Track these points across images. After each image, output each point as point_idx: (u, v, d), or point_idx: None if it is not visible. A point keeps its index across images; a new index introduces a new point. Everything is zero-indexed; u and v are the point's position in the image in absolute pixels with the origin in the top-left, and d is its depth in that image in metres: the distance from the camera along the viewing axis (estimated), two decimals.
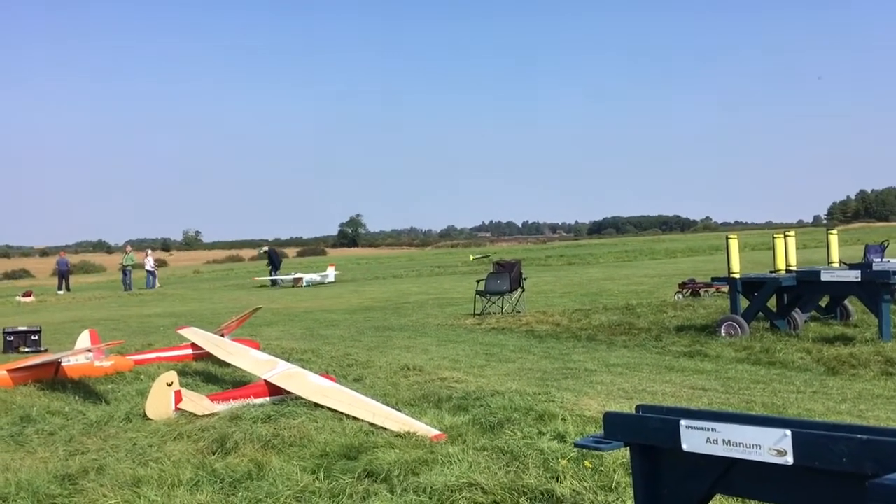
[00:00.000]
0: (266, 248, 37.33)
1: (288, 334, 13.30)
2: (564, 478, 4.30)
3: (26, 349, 12.06)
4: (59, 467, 5.19)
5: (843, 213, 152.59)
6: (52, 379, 8.66)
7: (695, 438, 2.32)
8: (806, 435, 2.10)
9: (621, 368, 8.61)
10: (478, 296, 14.88)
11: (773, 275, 10.53)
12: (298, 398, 6.69)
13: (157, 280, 36.12)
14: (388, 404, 6.42)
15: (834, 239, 11.99)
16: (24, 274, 69.56)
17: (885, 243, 13.94)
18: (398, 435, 5.45)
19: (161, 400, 6.54)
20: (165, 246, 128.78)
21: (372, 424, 5.77)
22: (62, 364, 8.86)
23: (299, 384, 6.90)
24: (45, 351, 11.78)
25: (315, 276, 32.50)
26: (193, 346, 9.88)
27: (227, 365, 8.75)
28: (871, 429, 2.14)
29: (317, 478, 4.61)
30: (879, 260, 12.14)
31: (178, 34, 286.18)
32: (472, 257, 45.98)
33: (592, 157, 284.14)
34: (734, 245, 10.77)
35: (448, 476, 4.44)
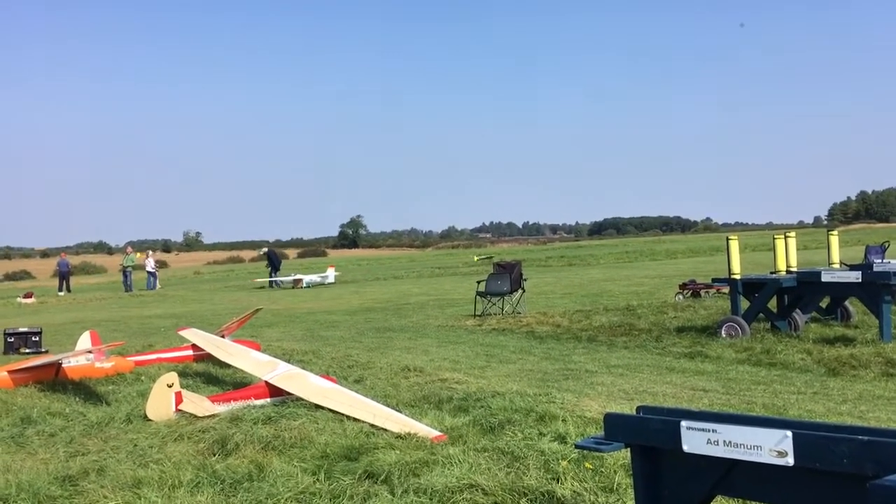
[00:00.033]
0: (265, 250, 37.31)
1: (288, 335, 13.30)
2: (565, 479, 4.30)
3: (27, 350, 12.07)
4: (59, 468, 5.19)
5: (843, 214, 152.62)
6: (53, 380, 8.66)
7: (695, 439, 2.32)
8: (807, 436, 2.10)
9: (622, 369, 8.61)
10: (478, 297, 14.88)
11: (774, 276, 10.53)
12: (299, 399, 6.69)
13: (157, 281, 36.13)
14: (388, 405, 6.41)
15: (834, 240, 11.98)
16: (24, 275, 69.60)
17: (886, 244, 13.93)
18: (399, 436, 5.44)
19: (162, 401, 6.54)
20: (166, 247, 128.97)
21: (372, 426, 5.77)
22: (63, 365, 8.86)
23: (300, 385, 6.90)
24: (46, 352, 11.78)
25: (315, 278, 32.50)
26: (194, 347, 9.88)
27: (228, 366, 8.75)
28: (872, 430, 2.14)
29: (317, 479, 4.61)
30: (880, 261, 12.13)
31: (178, 34, 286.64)
32: (476, 258, 46.04)
33: (592, 158, 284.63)
34: (735, 246, 10.77)
35: (449, 477, 4.43)
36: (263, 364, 7.74)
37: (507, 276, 14.91)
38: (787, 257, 10.71)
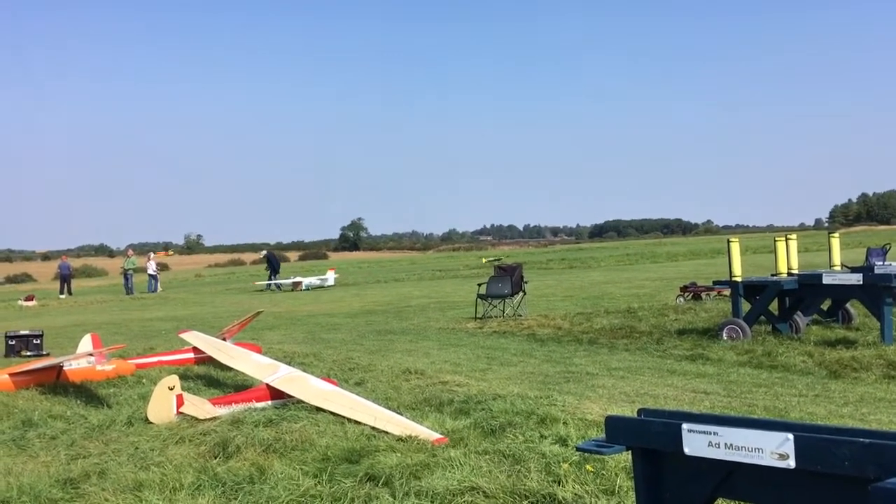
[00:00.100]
0: (265, 252, 37.36)
1: (289, 338, 13.30)
2: (566, 481, 4.29)
3: (28, 353, 12.07)
4: (60, 471, 5.19)
5: (844, 217, 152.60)
6: (54, 383, 8.66)
7: (697, 442, 2.32)
8: (808, 439, 2.10)
9: (623, 372, 8.60)
10: (479, 299, 14.88)
11: (775, 278, 10.52)
12: (300, 402, 6.69)
13: (158, 284, 36.16)
14: (389, 408, 6.41)
15: (836, 242, 11.97)
16: (26, 278, 69.65)
17: (887, 246, 13.91)
18: (400, 439, 5.44)
19: (163, 404, 6.54)
20: (167, 250, 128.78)
21: (373, 428, 5.77)
22: (64, 368, 8.86)
23: (301, 388, 6.90)
24: (47, 355, 11.79)
25: (314, 280, 32.53)
26: (195, 349, 9.89)
27: (229, 369, 8.75)
28: (874, 432, 2.13)
29: (318, 482, 4.61)
30: (881, 263, 12.12)
31: (178, 34, 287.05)
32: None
33: (593, 158, 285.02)
34: (736, 248, 10.76)
35: (450, 480, 4.43)
36: (264, 367, 7.75)
37: (508, 279, 14.90)
38: (789, 259, 10.71)
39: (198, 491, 4.59)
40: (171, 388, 6.58)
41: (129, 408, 7.16)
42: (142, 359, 10.06)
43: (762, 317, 10.60)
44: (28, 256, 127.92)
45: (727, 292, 12.69)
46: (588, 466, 4.46)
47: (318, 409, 6.40)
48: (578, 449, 2.69)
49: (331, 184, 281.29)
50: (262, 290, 32.12)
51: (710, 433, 2.29)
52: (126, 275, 34.89)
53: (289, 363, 8.47)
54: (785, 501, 2.23)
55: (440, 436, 5.45)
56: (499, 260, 24.75)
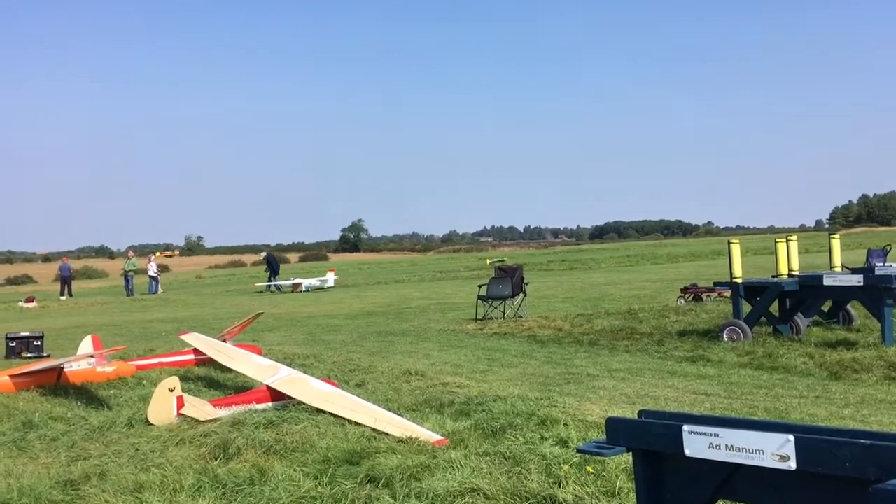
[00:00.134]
0: (265, 254, 37.41)
1: (290, 339, 13.30)
2: (567, 483, 4.29)
3: (29, 355, 12.08)
4: (61, 473, 5.19)
5: (845, 218, 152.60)
6: (55, 384, 8.66)
7: (697, 443, 2.32)
8: (809, 440, 2.09)
9: (623, 373, 8.60)
10: (480, 301, 14.87)
11: (776, 279, 10.52)
12: (300, 403, 6.69)
13: (159, 285, 36.17)
14: (390, 409, 6.41)
15: (836, 243, 11.96)
16: (26, 279, 69.62)
17: (888, 248, 13.90)
18: (400, 440, 5.44)
19: (163, 405, 6.54)
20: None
21: (374, 430, 5.77)
22: (64, 369, 8.86)
23: (301, 389, 6.90)
24: (48, 356, 11.79)
25: (314, 282, 32.54)
26: (195, 351, 9.89)
27: (229, 370, 8.75)
28: (875, 434, 2.13)
29: (319, 483, 4.61)
30: (882, 264, 12.12)
31: (178, 34, 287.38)
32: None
33: (593, 158, 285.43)
34: (736, 249, 10.76)
35: (450, 481, 4.43)
36: (265, 368, 7.75)
37: (509, 280, 14.90)
38: (789, 261, 10.70)
39: (198, 492, 4.59)
40: (172, 390, 6.58)
41: (130, 409, 7.15)
42: (142, 360, 10.07)
43: (763, 318, 10.59)
44: (28, 258, 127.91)
45: (728, 294, 12.68)
46: (589, 468, 4.46)
47: (319, 411, 6.39)
48: (579, 450, 2.69)
49: (331, 184, 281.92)
50: (261, 292, 32.13)
51: (711, 435, 2.28)
52: (126, 276, 34.91)
53: (289, 365, 8.47)
54: (786, 503, 2.23)
55: (441, 437, 5.45)
56: (503, 261, 24.75)
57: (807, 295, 10.31)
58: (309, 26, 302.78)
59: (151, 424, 6.46)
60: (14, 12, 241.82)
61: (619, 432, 2.54)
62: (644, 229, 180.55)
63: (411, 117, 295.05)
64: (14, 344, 12.36)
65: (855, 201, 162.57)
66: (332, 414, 6.26)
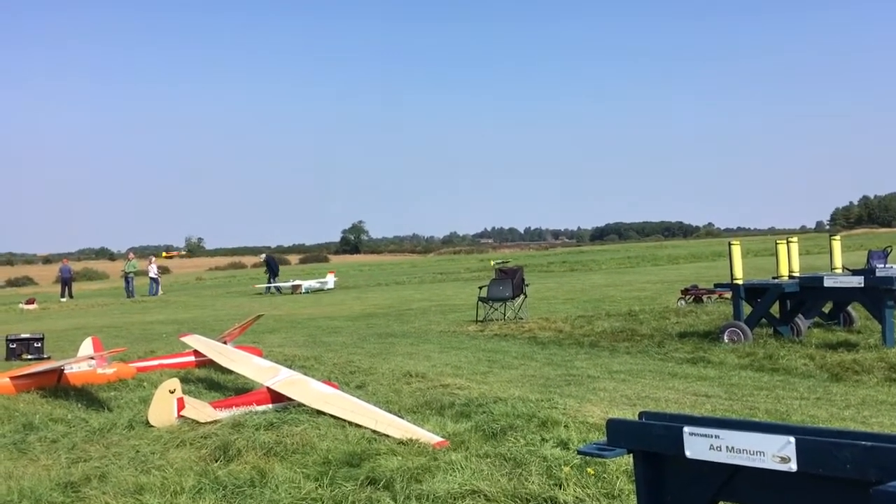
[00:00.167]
0: (264, 256, 37.43)
1: (290, 341, 13.29)
2: (567, 485, 4.29)
3: (29, 356, 12.07)
4: (61, 475, 5.19)
5: (845, 219, 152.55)
6: (55, 386, 8.66)
7: (698, 445, 2.32)
8: (810, 442, 2.09)
9: (624, 375, 8.59)
10: (480, 302, 14.87)
11: (776, 281, 10.51)
12: (301, 405, 6.69)
13: (159, 287, 36.18)
14: (390, 411, 6.41)
15: (837, 245, 11.95)
16: (27, 281, 69.61)
17: (889, 249, 13.89)
18: (401, 442, 5.44)
19: (164, 407, 6.54)
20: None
21: (374, 431, 5.77)
22: (65, 371, 8.86)
23: (302, 391, 6.90)
24: (48, 358, 11.79)
25: (314, 283, 32.53)
26: (196, 353, 9.88)
27: (230, 372, 8.74)
28: (876, 435, 2.13)
29: (319, 485, 4.61)
30: (883, 266, 12.12)
31: (178, 34, 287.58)
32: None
33: (593, 159, 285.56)
34: (737, 251, 10.76)
35: (451, 483, 4.43)
36: (265, 370, 7.74)
37: (509, 282, 14.90)
38: (790, 262, 10.70)
39: (199, 494, 4.59)
40: (172, 392, 6.58)
41: (130, 411, 7.15)
42: (143, 362, 10.07)
43: (763, 320, 10.59)
44: (29, 260, 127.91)
45: (728, 295, 12.68)
46: (589, 470, 4.46)
47: (319, 413, 6.39)
48: (579, 452, 2.69)
49: (331, 185, 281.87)
50: (261, 294, 32.13)
51: (712, 436, 2.28)
52: (127, 278, 34.92)
53: (289, 366, 8.46)
54: None
55: (441, 439, 5.44)
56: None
57: (807, 296, 10.31)
58: (309, 26, 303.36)
59: (152, 426, 6.45)
60: (14, 12, 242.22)
61: (619, 434, 2.54)
62: (644, 230, 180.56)
63: (411, 117, 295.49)
64: (14, 346, 12.36)
65: (855, 202, 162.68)
66: (332, 416, 6.26)
